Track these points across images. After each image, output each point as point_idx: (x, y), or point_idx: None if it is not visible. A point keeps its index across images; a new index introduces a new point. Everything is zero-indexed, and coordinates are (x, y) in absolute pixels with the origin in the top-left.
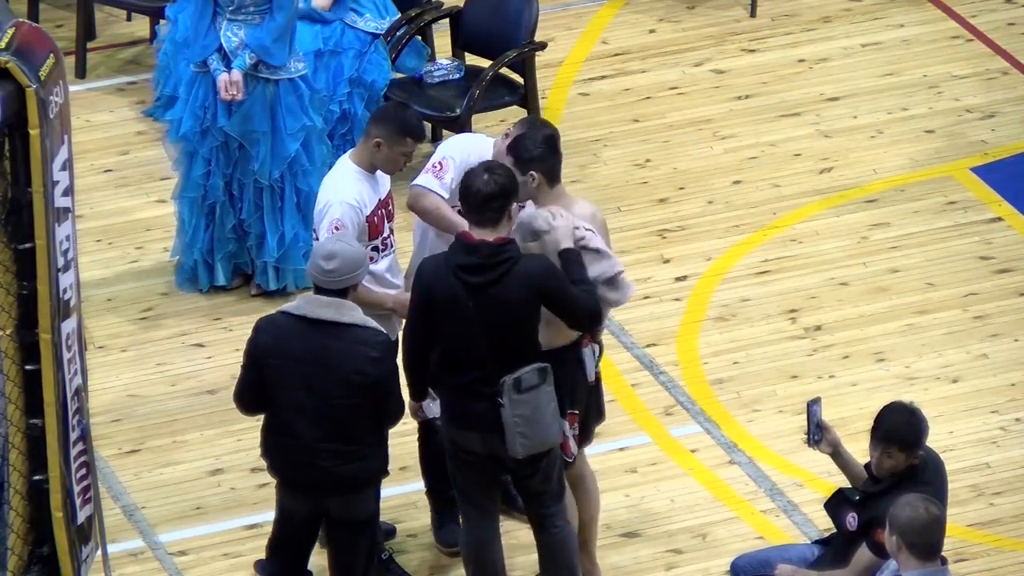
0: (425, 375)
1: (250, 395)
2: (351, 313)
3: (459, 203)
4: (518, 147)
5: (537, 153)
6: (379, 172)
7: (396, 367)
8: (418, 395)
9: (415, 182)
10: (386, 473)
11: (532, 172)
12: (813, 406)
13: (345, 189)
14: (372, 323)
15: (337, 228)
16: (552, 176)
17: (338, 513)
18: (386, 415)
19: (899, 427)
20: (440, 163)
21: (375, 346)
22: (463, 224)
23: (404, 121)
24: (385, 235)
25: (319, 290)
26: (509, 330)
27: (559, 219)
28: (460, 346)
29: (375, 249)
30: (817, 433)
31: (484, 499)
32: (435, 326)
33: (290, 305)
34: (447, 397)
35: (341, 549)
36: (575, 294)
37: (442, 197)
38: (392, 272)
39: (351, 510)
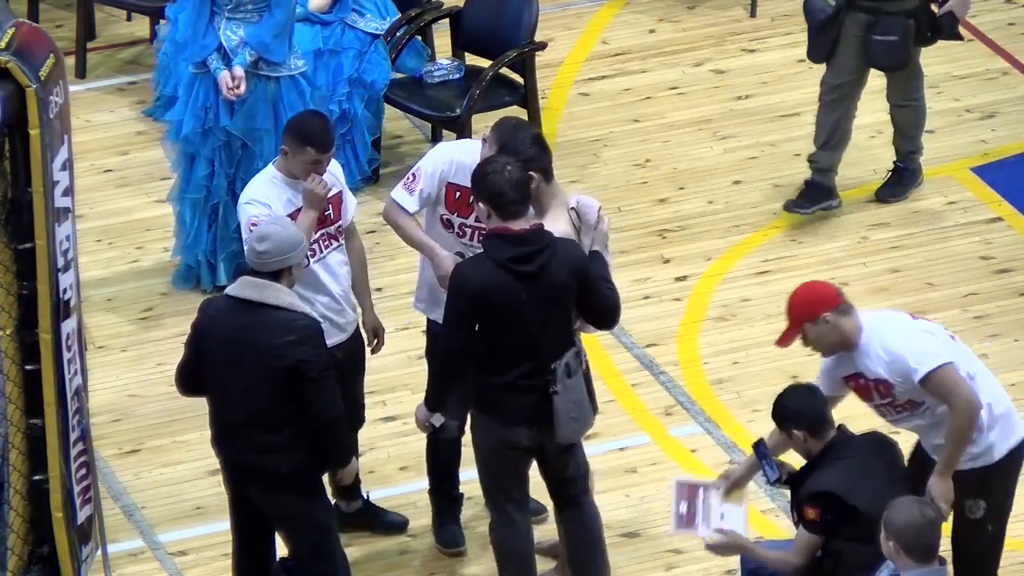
0: (454, 386)
1: (186, 373)
2: (276, 295)
3: (432, 211)
4: (509, 151)
5: (532, 152)
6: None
7: (322, 354)
8: (438, 405)
9: (391, 192)
10: (311, 477)
11: (530, 172)
12: (760, 447)
13: (251, 192)
14: (299, 307)
15: (254, 224)
16: (548, 173)
17: (260, 503)
18: (312, 411)
19: (778, 404)
20: (413, 174)
21: (292, 330)
22: (428, 244)
23: (304, 130)
24: (311, 240)
25: (252, 271)
26: (558, 315)
27: (605, 223)
28: (511, 342)
29: None
30: (775, 470)
31: (524, 496)
32: (483, 329)
33: (230, 286)
34: (489, 398)
35: (282, 537)
36: (604, 287)
37: (408, 212)
38: (327, 275)
39: (269, 503)
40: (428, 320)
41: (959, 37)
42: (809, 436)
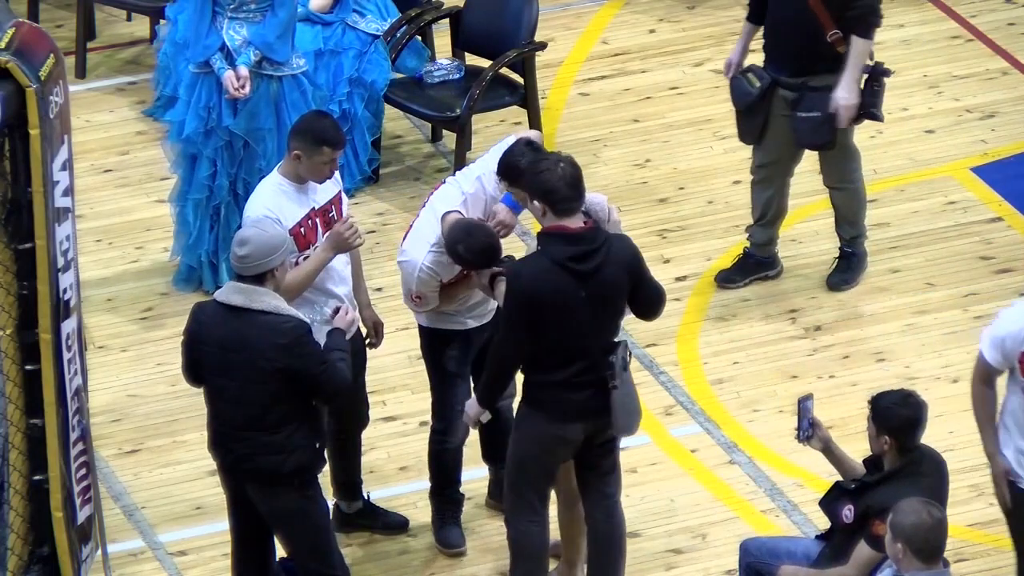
0: (507, 384)
1: (190, 374)
2: (263, 299)
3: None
4: (507, 167)
5: (526, 164)
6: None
7: (314, 351)
8: (491, 403)
9: (414, 315)
10: (310, 475)
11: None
12: (805, 402)
13: (259, 206)
14: (286, 310)
15: None
16: None
17: (258, 503)
18: (324, 392)
19: (884, 401)
20: (418, 296)
21: (283, 333)
22: (472, 279)
23: (318, 131)
24: (319, 244)
25: (237, 276)
26: (614, 312)
27: (616, 213)
28: (568, 341)
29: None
30: (808, 429)
31: (549, 493)
32: (538, 328)
33: (218, 291)
34: (542, 395)
35: (279, 537)
36: (653, 276)
37: (434, 302)
38: (333, 280)
39: (267, 503)
40: (422, 327)
41: (879, 118)
42: (895, 447)
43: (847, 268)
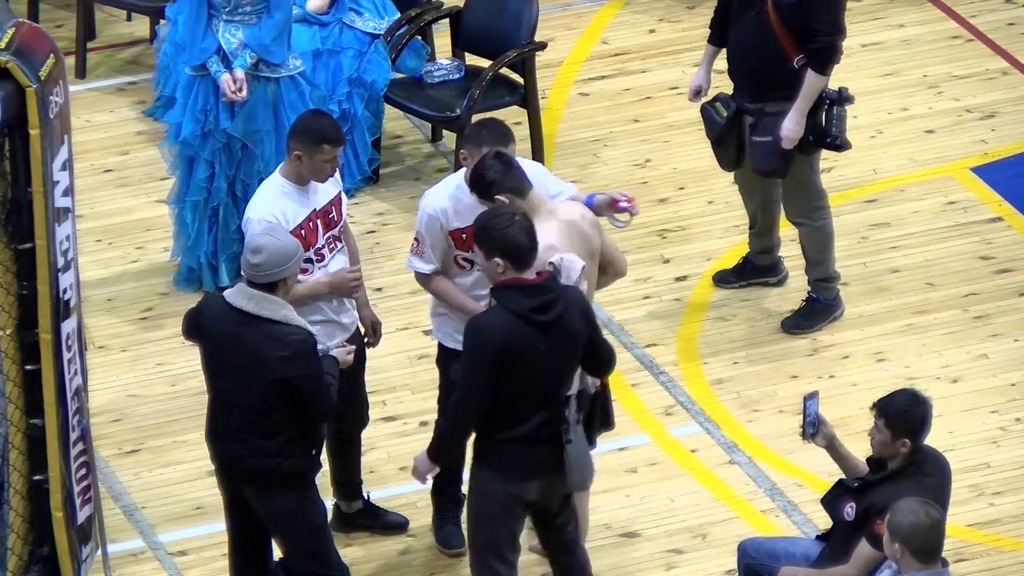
0: (464, 441)
1: (188, 334)
2: (271, 308)
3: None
4: (476, 178)
5: (495, 175)
6: (314, 182)
7: (315, 367)
8: (444, 460)
9: (408, 264)
10: (305, 479)
11: (498, 196)
12: (809, 400)
13: (261, 207)
14: (294, 320)
15: None
16: (518, 191)
17: (254, 504)
18: (311, 412)
19: (897, 404)
20: (416, 239)
21: (287, 345)
22: (468, 304)
23: (317, 130)
24: (319, 246)
25: (248, 281)
26: (572, 363)
27: (584, 284)
28: (529, 394)
29: (308, 261)
30: (812, 427)
31: (516, 559)
32: (499, 383)
33: (228, 290)
34: (499, 453)
35: (276, 539)
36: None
37: (428, 274)
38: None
39: (263, 505)
40: (439, 345)
41: (841, 147)
42: (907, 447)
43: (806, 313)
